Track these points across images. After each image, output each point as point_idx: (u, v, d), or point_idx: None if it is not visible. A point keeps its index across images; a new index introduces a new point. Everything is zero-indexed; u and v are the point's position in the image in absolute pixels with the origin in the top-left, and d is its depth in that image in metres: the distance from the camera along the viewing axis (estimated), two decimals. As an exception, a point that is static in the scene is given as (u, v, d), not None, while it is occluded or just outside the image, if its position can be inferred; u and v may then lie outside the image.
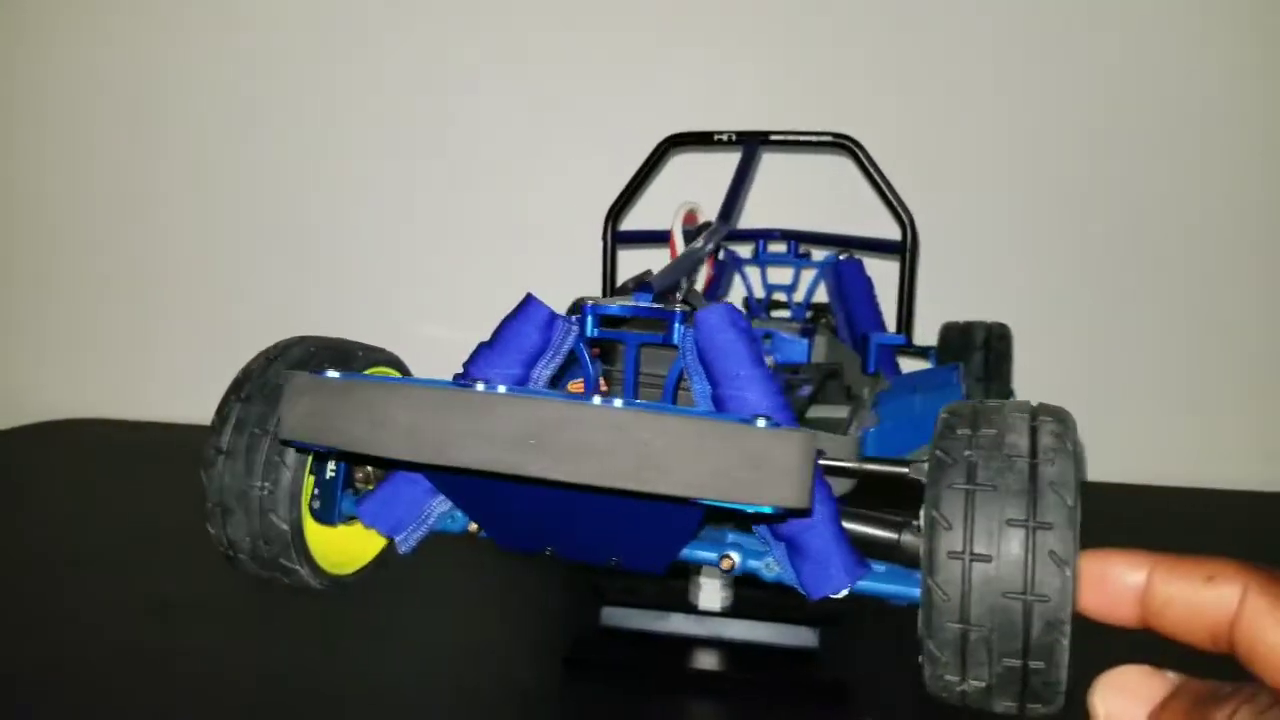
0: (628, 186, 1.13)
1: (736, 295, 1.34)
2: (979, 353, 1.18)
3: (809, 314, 1.25)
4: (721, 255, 1.29)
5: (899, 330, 1.08)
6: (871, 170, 1.06)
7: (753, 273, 1.30)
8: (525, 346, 0.70)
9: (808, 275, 1.28)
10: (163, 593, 0.89)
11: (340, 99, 1.45)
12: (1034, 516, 0.55)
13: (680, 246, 1.02)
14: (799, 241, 1.26)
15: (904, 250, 1.06)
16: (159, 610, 0.86)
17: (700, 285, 1.04)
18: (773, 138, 1.08)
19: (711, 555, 0.65)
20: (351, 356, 0.76)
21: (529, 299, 0.70)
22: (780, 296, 1.28)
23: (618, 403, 0.49)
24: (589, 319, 0.71)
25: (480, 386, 0.53)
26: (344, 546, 0.76)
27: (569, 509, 0.59)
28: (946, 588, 0.56)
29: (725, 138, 1.10)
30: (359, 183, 1.47)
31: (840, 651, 0.79)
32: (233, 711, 0.73)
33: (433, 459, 0.51)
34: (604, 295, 1.13)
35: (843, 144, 1.07)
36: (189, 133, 1.49)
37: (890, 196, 1.06)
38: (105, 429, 1.48)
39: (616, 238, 1.14)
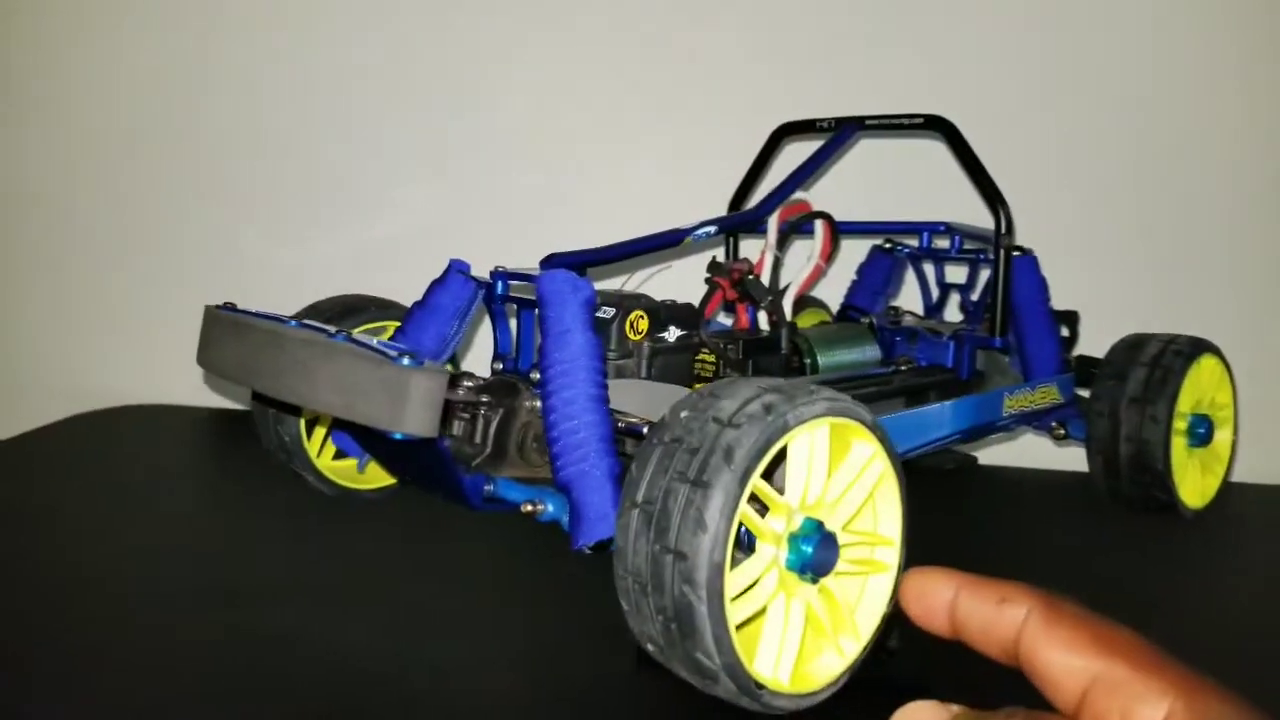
0: (747, 176, 1.16)
1: (910, 292, 1.29)
2: (1142, 369, 1.03)
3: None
4: (889, 248, 1.26)
5: (991, 331, 1.00)
6: (965, 154, 0.99)
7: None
8: (444, 305, 0.81)
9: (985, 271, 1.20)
10: (232, 576, 0.85)
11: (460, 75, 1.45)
12: (698, 475, 0.54)
13: (773, 238, 1.04)
14: (962, 236, 1.19)
15: (997, 241, 0.97)
16: (230, 594, 0.82)
17: (768, 269, 1.04)
18: (869, 122, 1.05)
19: (520, 499, 0.71)
20: (362, 309, 0.92)
21: (450, 266, 0.81)
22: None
23: (299, 332, 0.60)
24: (498, 283, 0.80)
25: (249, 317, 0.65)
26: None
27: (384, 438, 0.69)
28: (621, 534, 0.57)
29: (827, 124, 1.09)
30: (447, 163, 1.44)
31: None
32: (305, 692, 0.68)
33: (238, 380, 0.65)
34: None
35: (936, 126, 1.01)
36: (259, 112, 1.45)
37: (984, 182, 0.98)
38: (170, 414, 1.45)
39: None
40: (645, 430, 0.71)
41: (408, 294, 0.86)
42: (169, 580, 0.83)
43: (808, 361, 1.03)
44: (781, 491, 0.59)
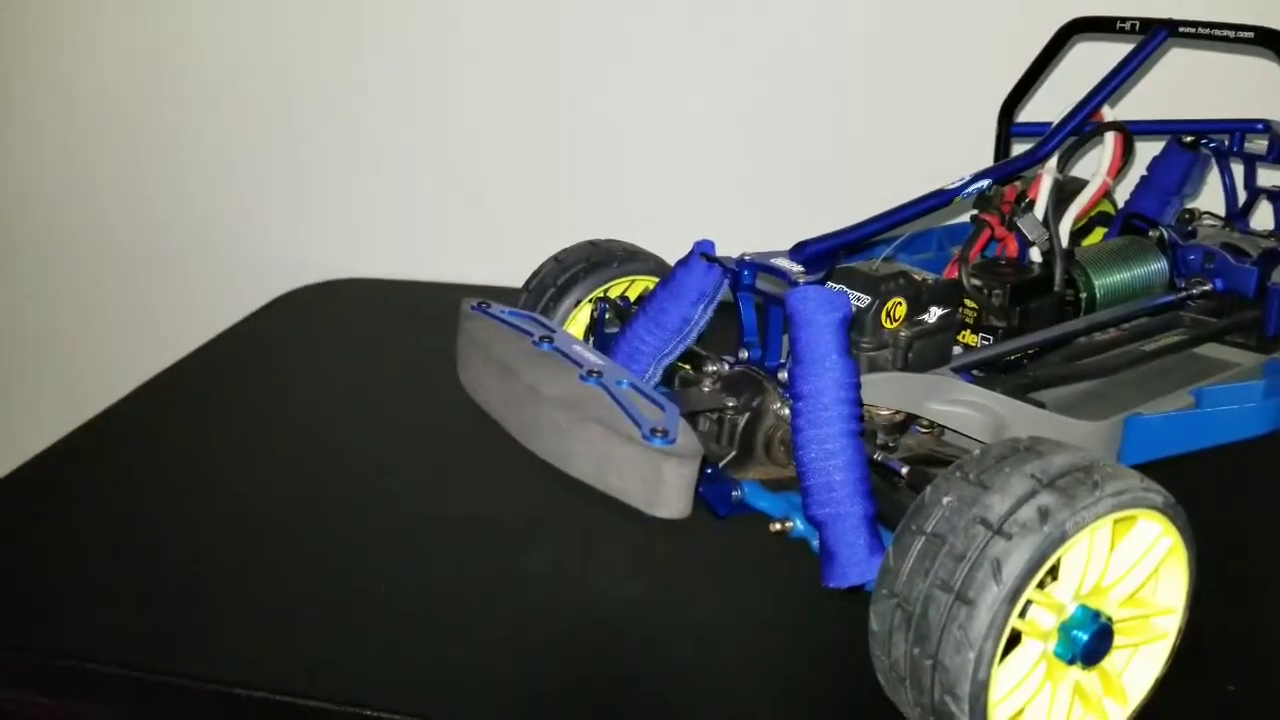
0: (1025, 75, 1.03)
1: (1213, 193, 1.12)
2: None
3: None
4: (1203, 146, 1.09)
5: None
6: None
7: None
8: (688, 288, 0.78)
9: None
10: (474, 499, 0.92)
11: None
12: (962, 589, 0.51)
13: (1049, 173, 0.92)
14: (1283, 141, 1.01)
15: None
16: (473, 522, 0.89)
17: (1044, 194, 0.91)
18: (1182, 30, 0.89)
19: (769, 511, 0.70)
20: (606, 263, 0.91)
21: (694, 249, 0.77)
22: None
23: (555, 387, 0.59)
24: (743, 272, 0.75)
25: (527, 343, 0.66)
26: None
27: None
28: (878, 620, 0.56)
29: (1129, 25, 0.93)
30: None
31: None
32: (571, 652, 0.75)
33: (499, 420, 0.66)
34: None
35: (1270, 43, 0.84)
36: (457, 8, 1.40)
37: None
38: (381, 289, 1.47)
39: (1012, 132, 1.05)
40: (902, 471, 0.67)
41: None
42: (400, 508, 0.90)
43: (1083, 296, 0.93)
44: (1053, 576, 0.55)
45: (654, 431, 0.55)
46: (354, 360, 1.25)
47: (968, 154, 1.08)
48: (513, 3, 1.39)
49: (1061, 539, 0.51)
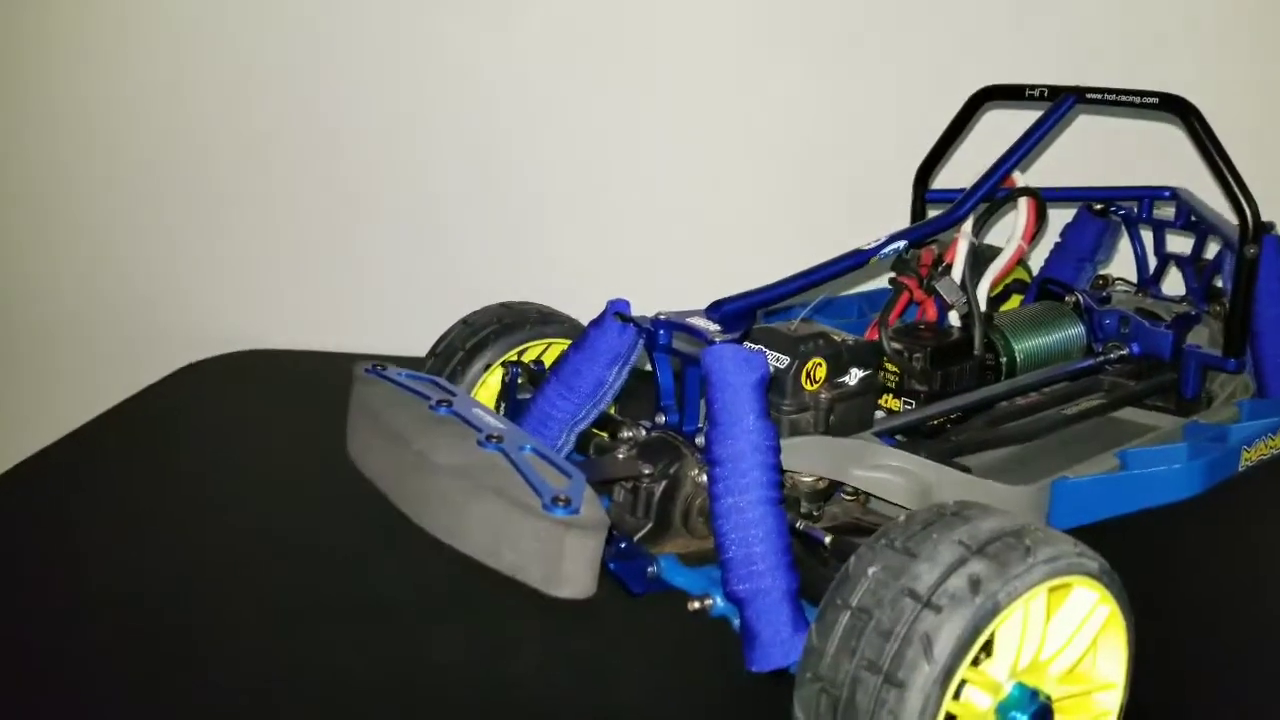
0: (939, 143, 1.03)
1: (1125, 260, 1.13)
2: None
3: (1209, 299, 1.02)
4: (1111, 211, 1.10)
5: (1228, 349, 0.85)
6: (1208, 144, 0.83)
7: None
8: (602, 350, 0.74)
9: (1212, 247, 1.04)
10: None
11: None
12: (891, 670, 0.47)
13: (969, 221, 0.92)
14: (1190, 210, 1.02)
15: (1242, 248, 0.82)
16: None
17: (960, 258, 0.90)
18: (1089, 96, 0.90)
19: (687, 588, 0.65)
20: (519, 326, 0.86)
21: (608, 308, 0.74)
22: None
23: (449, 456, 0.54)
24: (659, 332, 0.72)
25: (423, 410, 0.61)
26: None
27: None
28: (802, 708, 0.51)
29: (1039, 93, 0.93)
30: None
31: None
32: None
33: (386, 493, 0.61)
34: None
35: (1175, 109, 0.85)
36: (381, 71, 1.36)
37: (1230, 179, 0.82)
38: (288, 360, 1.40)
39: (927, 199, 1.05)
40: (825, 541, 0.64)
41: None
42: (292, 591, 0.82)
43: (1003, 360, 0.92)
44: (987, 652, 0.51)
45: (555, 500, 0.50)
46: (255, 433, 1.18)
47: (883, 222, 1.07)
48: (423, 70, 1.36)
49: (994, 610, 0.48)
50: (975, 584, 0.48)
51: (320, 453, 1.03)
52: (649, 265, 1.33)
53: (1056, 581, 0.50)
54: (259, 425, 1.20)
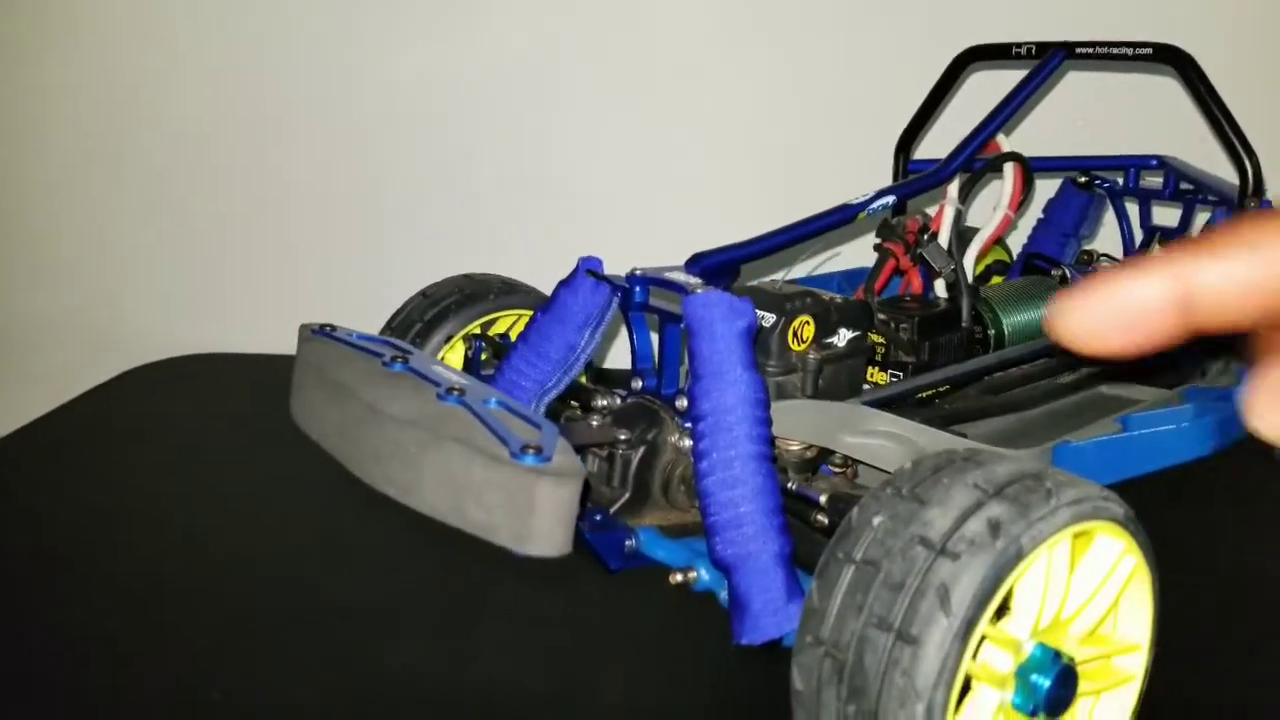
0: (922, 108, 0.99)
1: (1110, 234, 1.10)
2: None
3: None
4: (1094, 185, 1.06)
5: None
6: (1206, 96, 0.79)
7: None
8: (573, 311, 0.69)
9: (1201, 217, 1.00)
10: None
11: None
12: (904, 625, 0.42)
13: (954, 187, 0.88)
14: (1179, 177, 0.99)
15: (1242, 202, 0.79)
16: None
17: (947, 225, 0.87)
18: (1080, 50, 0.86)
19: (668, 561, 0.60)
20: (481, 297, 0.81)
21: (579, 266, 0.69)
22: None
23: (402, 406, 0.49)
24: (635, 289, 0.67)
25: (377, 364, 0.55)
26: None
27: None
28: (802, 675, 0.46)
29: (1026, 50, 0.90)
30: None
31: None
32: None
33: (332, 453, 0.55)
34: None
35: (1170, 60, 0.81)
36: (309, 69, 1.30)
37: (1229, 130, 0.79)
38: (232, 364, 1.32)
39: (910, 168, 1.01)
40: (821, 500, 0.59)
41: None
42: (239, 598, 0.74)
43: (991, 333, 0.88)
44: (1005, 609, 0.46)
45: (525, 449, 0.44)
46: (199, 438, 1.10)
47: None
48: (367, 47, 1.29)
49: (1017, 556, 0.43)
50: (995, 527, 0.42)
51: (267, 457, 0.99)
52: (618, 242, 1.27)
53: (1081, 526, 0.45)
54: (203, 430, 1.12)
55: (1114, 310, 0.28)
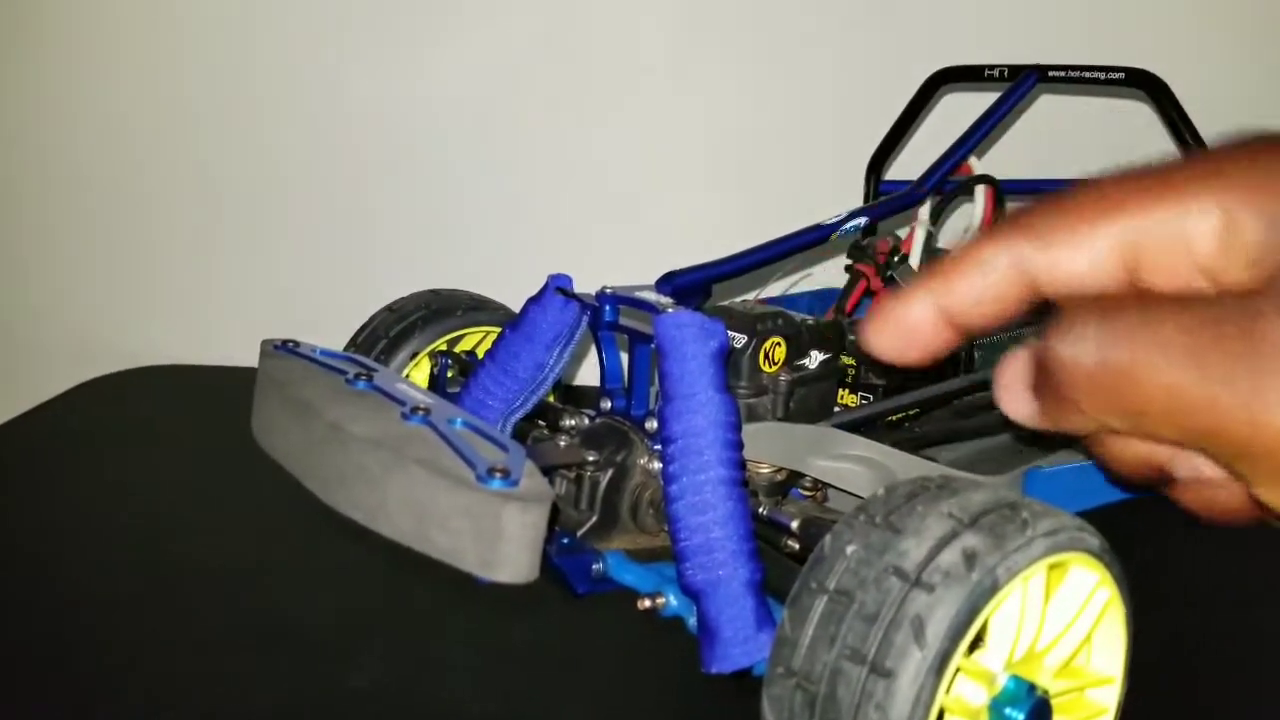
0: (894, 128, 0.99)
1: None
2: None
3: None
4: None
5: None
6: (1177, 120, 0.80)
7: None
8: (542, 329, 0.67)
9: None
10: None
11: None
12: (878, 658, 0.41)
13: (925, 209, 0.88)
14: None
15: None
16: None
17: (918, 246, 0.87)
18: (1052, 74, 0.86)
19: (636, 586, 0.59)
20: (449, 312, 0.79)
21: (549, 283, 0.67)
22: None
23: (366, 427, 0.47)
24: (605, 308, 0.66)
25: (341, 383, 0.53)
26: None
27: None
28: (773, 707, 0.45)
29: (998, 73, 0.90)
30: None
31: None
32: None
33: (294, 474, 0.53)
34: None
35: (1142, 84, 0.82)
36: (276, 80, 1.28)
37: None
38: (196, 375, 1.30)
39: (881, 190, 1.01)
40: (792, 526, 0.58)
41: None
42: (192, 613, 0.72)
43: (962, 354, 0.88)
44: (978, 642, 0.45)
45: (491, 472, 0.43)
46: (156, 450, 1.07)
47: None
48: (334, 56, 1.28)
49: (993, 588, 0.42)
50: (971, 559, 0.42)
51: (227, 473, 0.96)
52: (590, 257, 1.25)
53: (1057, 558, 0.45)
54: (160, 442, 1.09)
55: (896, 329, 0.32)
